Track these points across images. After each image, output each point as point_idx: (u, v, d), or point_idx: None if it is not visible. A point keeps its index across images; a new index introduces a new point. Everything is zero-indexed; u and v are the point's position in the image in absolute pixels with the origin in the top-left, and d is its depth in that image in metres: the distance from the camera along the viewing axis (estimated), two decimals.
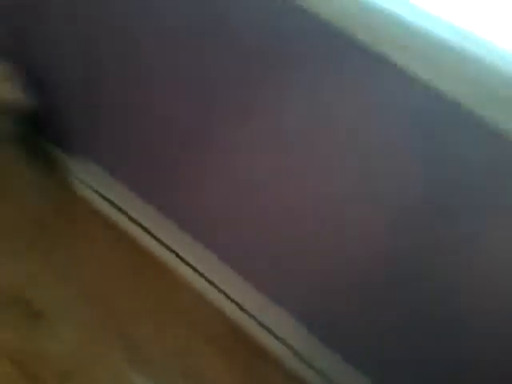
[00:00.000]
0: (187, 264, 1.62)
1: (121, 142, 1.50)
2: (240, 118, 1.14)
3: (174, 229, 1.56)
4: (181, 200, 1.47)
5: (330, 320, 1.36)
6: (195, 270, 1.60)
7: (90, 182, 1.69)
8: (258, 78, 1.03)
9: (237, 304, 1.56)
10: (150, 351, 1.51)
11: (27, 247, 1.64)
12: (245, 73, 1.05)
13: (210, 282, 1.59)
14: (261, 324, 1.53)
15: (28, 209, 1.72)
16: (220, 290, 1.58)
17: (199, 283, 1.63)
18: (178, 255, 1.62)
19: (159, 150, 1.40)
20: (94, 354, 1.48)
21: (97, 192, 1.69)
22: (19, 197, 1.74)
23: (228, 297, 1.57)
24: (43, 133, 1.71)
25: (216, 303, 1.63)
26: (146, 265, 1.67)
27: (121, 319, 1.56)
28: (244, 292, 1.51)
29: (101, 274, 1.63)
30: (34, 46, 1.48)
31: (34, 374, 1.43)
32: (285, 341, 1.50)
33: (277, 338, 1.51)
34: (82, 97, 1.48)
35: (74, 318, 1.53)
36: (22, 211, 1.71)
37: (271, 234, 1.30)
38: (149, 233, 1.65)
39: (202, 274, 1.60)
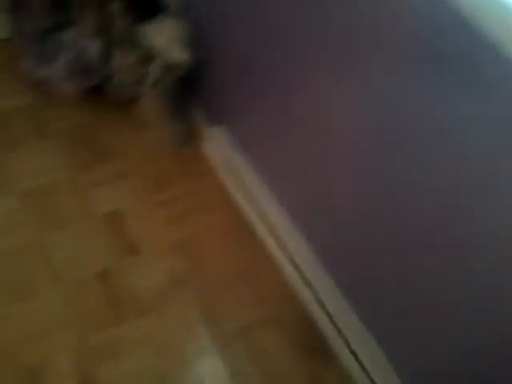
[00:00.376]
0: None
1: (264, 120, 1.52)
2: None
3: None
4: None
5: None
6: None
7: (221, 148, 1.73)
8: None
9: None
10: (224, 318, 1.57)
11: (143, 189, 1.80)
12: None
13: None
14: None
15: (156, 157, 1.88)
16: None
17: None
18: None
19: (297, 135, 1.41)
20: (173, 300, 1.57)
21: (223, 160, 1.73)
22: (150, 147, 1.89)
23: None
24: (190, 91, 1.82)
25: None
26: (243, 237, 1.74)
27: (207, 279, 1.63)
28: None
29: (202, 231, 1.74)
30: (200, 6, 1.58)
31: (117, 298, 1.55)
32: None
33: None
34: (239, 63, 1.53)
35: (166, 263, 1.64)
36: (150, 159, 1.87)
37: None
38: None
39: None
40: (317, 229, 1.50)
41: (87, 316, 1.50)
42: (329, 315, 1.50)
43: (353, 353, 1.46)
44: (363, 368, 1.44)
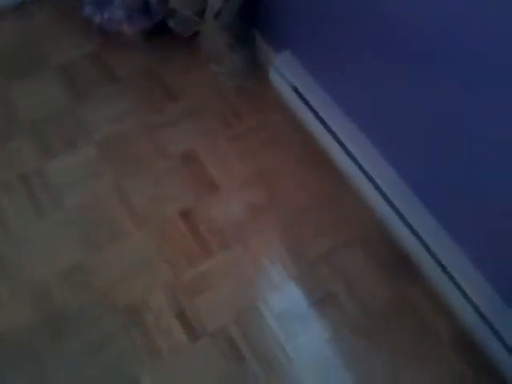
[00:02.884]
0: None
1: (333, 42, 1.48)
2: None
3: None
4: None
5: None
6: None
7: (288, 74, 1.69)
8: None
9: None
10: (306, 244, 1.59)
11: (213, 125, 1.81)
12: None
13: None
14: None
15: (223, 92, 1.87)
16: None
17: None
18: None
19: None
20: (255, 231, 1.61)
21: (291, 86, 1.68)
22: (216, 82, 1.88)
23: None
24: (253, 19, 1.79)
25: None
26: (319, 164, 1.73)
27: (286, 208, 1.65)
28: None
29: (277, 162, 1.73)
30: None
31: (201, 234, 1.60)
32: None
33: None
34: None
35: (245, 196, 1.67)
36: (217, 94, 1.86)
37: None
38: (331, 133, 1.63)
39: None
40: (394, 146, 1.45)
41: (176, 253, 1.56)
42: (414, 232, 1.47)
43: (441, 266, 1.44)
44: (454, 281, 1.41)
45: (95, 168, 1.70)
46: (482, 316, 1.37)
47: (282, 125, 1.80)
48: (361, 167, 1.55)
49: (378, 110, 1.45)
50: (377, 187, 1.52)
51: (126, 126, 1.79)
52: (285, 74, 1.69)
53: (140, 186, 1.67)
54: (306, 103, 1.65)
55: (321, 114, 1.62)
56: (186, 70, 1.90)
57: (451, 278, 1.41)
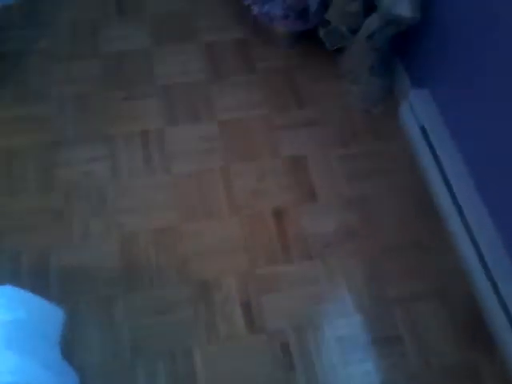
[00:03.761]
0: None
1: (474, 93, 1.46)
2: None
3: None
4: None
5: None
6: None
7: (417, 112, 1.68)
8: None
9: None
10: (385, 282, 1.57)
11: (329, 140, 1.82)
12: None
13: None
14: None
15: (348, 111, 1.89)
16: None
17: None
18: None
19: None
20: (339, 252, 1.61)
21: (418, 124, 1.67)
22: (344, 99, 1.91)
23: None
24: (400, 49, 1.81)
25: None
26: (423, 207, 1.69)
27: (376, 240, 1.63)
28: None
29: (381, 193, 1.72)
30: None
31: (287, 237, 1.62)
32: None
33: None
34: (461, 30, 1.47)
35: (340, 215, 1.67)
36: (342, 112, 1.89)
37: None
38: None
39: None
40: (509, 216, 1.39)
41: (259, 247, 1.59)
42: (502, 304, 1.40)
43: None
44: None
45: (211, 145, 1.78)
46: None
47: (398, 159, 1.79)
48: (467, 226, 1.51)
49: (505, 174, 1.40)
50: (477, 250, 1.47)
51: (250, 116, 1.85)
52: (416, 111, 1.68)
53: (245, 175, 1.73)
54: (430, 146, 1.63)
55: (442, 160, 1.59)
56: (321, 81, 1.94)
57: None
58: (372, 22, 1.56)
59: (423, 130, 1.66)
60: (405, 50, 1.80)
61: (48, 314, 1.28)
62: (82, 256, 1.54)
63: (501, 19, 1.30)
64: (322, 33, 1.79)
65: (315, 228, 1.64)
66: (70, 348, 1.37)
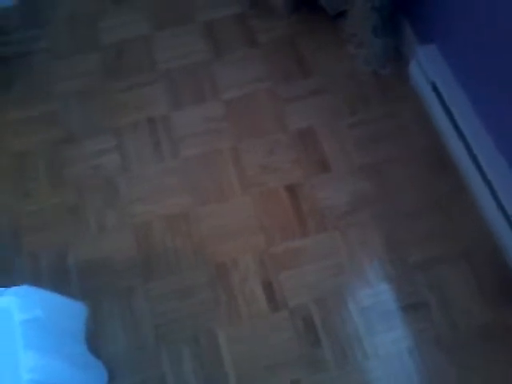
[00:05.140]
0: None
1: (485, 43, 1.38)
2: None
3: None
4: None
5: None
6: None
7: (427, 68, 1.61)
8: None
9: None
10: (405, 247, 1.52)
11: (338, 107, 1.77)
12: None
13: None
14: None
15: (356, 75, 1.83)
16: None
17: None
18: None
19: None
20: (356, 221, 1.57)
21: (429, 82, 1.61)
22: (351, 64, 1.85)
23: None
24: (403, 6, 1.74)
25: None
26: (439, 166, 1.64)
27: (393, 205, 1.59)
28: None
29: (395, 156, 1.67)
30: None
31: (302, 212, 1.59)
32: None
33: None
34: None
35: (354, 184, 1.63)
36: (349, 77, 1.83)
37: None
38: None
39: None
40: None
41: (274, 224, 1.57)
42: None
43: None
44: None
45: (218, 125, 1.75)
46: None
47: (410, 120, 1.72)
48: (488, 183, 1.45)
49: None
50: (499, 204, 1.41)
51: (256, 91, 1.81)
52: (426, 68, 1.61)
53: (255, 152, 1.70)
54: (442, 103, 1.56)
55: (456, 117, 1.52)
56: (325, 48, 1.88)
57: None
58: None
59: (434, 87, 1.59)
60: (408, 6, 1.72)
61: (70, 311, 1.30)
62: (100, 249, 1.55)
63: None
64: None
65: (330, 200, 1.60)
66: (96, 341, 1.39)
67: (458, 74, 1.54)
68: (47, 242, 1.56)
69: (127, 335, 1.43)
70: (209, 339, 1.42)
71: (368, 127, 1.72)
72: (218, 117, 1.77)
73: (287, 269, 1.50)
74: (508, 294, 1.45)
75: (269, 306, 1.45)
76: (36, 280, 1.46)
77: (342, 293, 1.46)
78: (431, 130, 1.67)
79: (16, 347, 1.03)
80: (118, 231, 1.58)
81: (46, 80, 1.89)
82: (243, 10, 1.98)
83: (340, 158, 1.67)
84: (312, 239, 1.54)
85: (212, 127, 1.75)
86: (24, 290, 1.16)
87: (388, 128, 1.71)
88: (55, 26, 2.02)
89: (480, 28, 1.40)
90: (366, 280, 1.48)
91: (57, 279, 1.50)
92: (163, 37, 1.95)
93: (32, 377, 1.01)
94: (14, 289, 1.12)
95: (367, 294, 1.46)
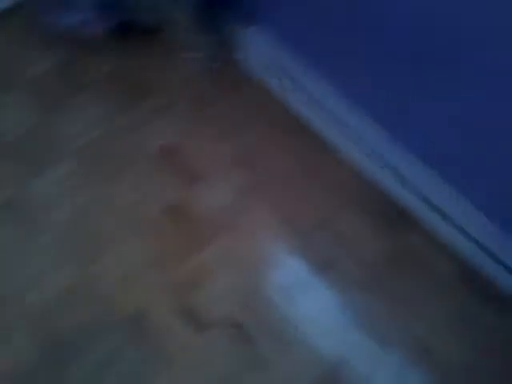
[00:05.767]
0: None
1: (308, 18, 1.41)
2: None
3: None
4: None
5: None
6: None
7: (260, 49, 1.63)
8: None
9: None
10: (298, 216, 1.55)
11: (188, 114, 1.75)
12: None
13: None
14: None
15: (195, 79, 1.80)
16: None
17: None
18: None
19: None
20: (244, 213, 1.56)
21: (265, 61, 1.63)
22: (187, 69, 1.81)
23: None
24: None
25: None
26: (299, 136, 1.67)
27: (272, 184, 1.60)
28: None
29: (256, 140, 1.68)
30: None
31: (190, 228, 1.55)
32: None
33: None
34: None
35: (229, 180, 1.62)
36: (190, 82, 1.80)
37: None
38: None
39: None
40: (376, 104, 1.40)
41: (168, 251, 1.52)
42: (403, 181, 1.42)
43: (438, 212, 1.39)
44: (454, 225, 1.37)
45: (76, 180, 1.65)
46: (482, 247, 1.35)
47: (258, 101, 1.74)
48: (346, 135, 1.50)
49: (355, 66, 1.38)
50: (368, 153, 1.48)
51: (102, 132, 1.73)
52: (256, 47, 1.63)
53: (122, 191, 1.63)
54: (282, 73, 1.60)
55: (297, 80, 1.56)
56: (157, 63, 1.84)
57: (447, 218, 1.37)
58: None
59: (269, 62, 1.63)
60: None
61: None
62: None
63: None
64: (138, 17, 1.69)
65: (213, 204, 1.58)
66: None
67: (291, 45, 1.56)
68: None
69: None
70: None
71: (221, 122, 1.72)
72: (72, 172, 1.66)
73: (199, 287, 1.46)
74: (398, 219, 1.52)
75: (195, 331, 1.40)
76: None
77: (258, 284, 1.45)
78: (279, 104, 1.71)
79: None
80: (10, 338, 1.41)
81: None
82: (63, 56, 1.87)
83: (207, 161, 1.65)
84: (210, 249, 1.51)
85: (71, 184, 1.65)
86: None
87: (241, 116, 1.72)
88: None
89: None
90: (275, 262, 1.48)
91: None
92: None
93: None
94: None
95: (282, 275, 1.46)
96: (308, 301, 1.42)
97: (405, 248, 1.47)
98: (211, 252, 1.50)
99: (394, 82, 1.28)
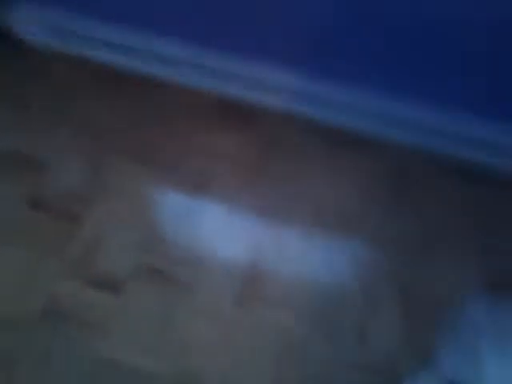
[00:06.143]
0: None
1: None
2: None
3: None
4: None
5: None
6: None
7: (34, 24, 1.58)
8: None
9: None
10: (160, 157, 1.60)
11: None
12: None
13: None
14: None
15: None
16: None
17: None
18: None
19: None
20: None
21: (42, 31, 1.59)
22: None
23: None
24: None
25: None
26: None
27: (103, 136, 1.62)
28: None
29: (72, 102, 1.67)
30: None
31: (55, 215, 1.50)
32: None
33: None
34: None
35: (67, 157, 1.59)
36: None
37: None
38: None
39: None
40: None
41: (52, 241, 1.46)
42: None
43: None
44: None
45: None
46: None
47: (44, 68, 1.72)
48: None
49: None
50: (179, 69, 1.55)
51: None
52: (32, 24, 1.59)
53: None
54: (65, 34, 1.58)
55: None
56: None
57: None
58: None
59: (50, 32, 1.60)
60: None
61: None
62: None
63: None
64: None
65: (71, 183, 1.55)
66: None
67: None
68: None
69: None
70: None
71: (31, 106, 1.66)
72: None
73: (97, 257, 1.43)
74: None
75: (115, 293, 1.39)
76: None
77: (150, 229, 1.49)
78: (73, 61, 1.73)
79: None
80: None
81: None
82: None
83: (52, 153, 1.61)
84: (88, 222, 1.50)
85: None
86: None
87: (48, 91, 1.69)
88: None
89: None
90: (155, 204, 1.52)
91: None
92: None
93: None
94: None
95: (167, 212, 1.51)
96: (202, 221, 1.50)
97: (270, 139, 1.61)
98: (92, 222, 1.50)
99: None
